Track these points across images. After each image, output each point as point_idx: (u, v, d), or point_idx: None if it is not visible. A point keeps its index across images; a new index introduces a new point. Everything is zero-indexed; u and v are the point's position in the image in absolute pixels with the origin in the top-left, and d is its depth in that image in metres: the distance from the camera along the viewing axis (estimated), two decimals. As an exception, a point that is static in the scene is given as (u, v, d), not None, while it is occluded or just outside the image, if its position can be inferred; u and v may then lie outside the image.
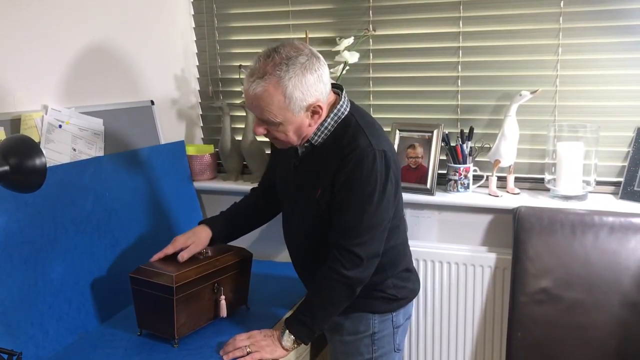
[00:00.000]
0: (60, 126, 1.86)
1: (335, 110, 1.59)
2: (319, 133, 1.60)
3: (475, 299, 2.17)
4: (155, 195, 2.19)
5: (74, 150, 1.90)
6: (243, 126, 2.41)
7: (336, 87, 1.66)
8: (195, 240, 1.77)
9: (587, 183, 2.06)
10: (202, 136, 2.68)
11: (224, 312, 1.76)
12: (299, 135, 1.59)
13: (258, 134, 1.61)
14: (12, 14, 1.73)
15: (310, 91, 1.50)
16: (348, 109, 1.62)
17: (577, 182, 2.04)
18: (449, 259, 2.18)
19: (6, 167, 1.28)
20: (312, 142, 1.62)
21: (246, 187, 2.40)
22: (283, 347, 1.62)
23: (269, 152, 2.49)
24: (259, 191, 1.96)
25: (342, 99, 1.61)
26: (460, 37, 2.19)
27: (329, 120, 1.59)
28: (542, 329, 1.98)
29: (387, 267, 1.69)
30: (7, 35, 1.72)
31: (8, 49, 1.72)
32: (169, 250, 1.75)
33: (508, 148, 2.10)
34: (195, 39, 2.59)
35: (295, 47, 1.50)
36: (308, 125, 1.57)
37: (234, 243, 1.91)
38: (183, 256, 1.72)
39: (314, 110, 1.54)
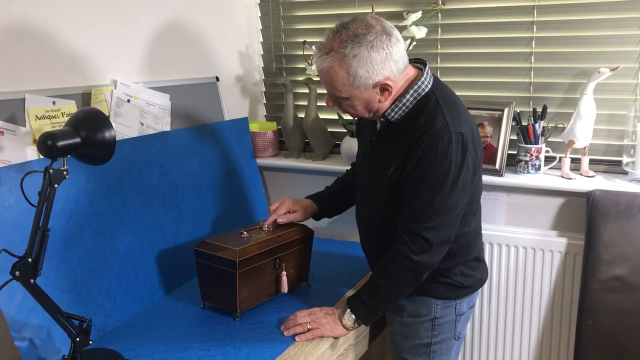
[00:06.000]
0: (128, 101, 1.89)
1: (415, 87, 1.53)
2: (396, 109, 1.55)
3: (543, 284, 2.09)
4: (219, 170, 2.20)
5: (142, 124, 1.93)
6: (306, 103, 2.39)
7: (419, 62, 1.61)
8: (299, 209, 1.85)
9: (670, 166, 1.94)
10: (265, 113, 2.68)
11: (285, 287, 1.77)
12: (369, 110, 1.56)
13: (329, 106, 1.60)
14: (83, -11, 1.76)
15: (375, 69, 1.46)
16: (429, 86, 1.55)
17: (659, 166, 1.92)
18: (517, 242, 2.10)
19: (77, 139, 1.31)
20: (389, 117, 1.57)
21: (307, 164, 2.40)
22: (343, 326, 1.61)
23: (331, 130, 2.48)
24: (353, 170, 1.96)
25: (424, 75, 1.55)
26: (535, 10, 2.08)
27: (407, 96, 1.54)
28: (615, 317, 1.89)
29: (457, 254, 1.64)
30: (79, 11, 1.75)
31: (80, 25, 1.76)
32: (280, 210, 1.83)
33: (583, 128, 1.99)
34: (260, 14, 2.58)
35: (366, 23, 1.46)
36: (378, 101, 1.53)
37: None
38: (282, 220, 1.81)
39: (382, 88, 1.50)
